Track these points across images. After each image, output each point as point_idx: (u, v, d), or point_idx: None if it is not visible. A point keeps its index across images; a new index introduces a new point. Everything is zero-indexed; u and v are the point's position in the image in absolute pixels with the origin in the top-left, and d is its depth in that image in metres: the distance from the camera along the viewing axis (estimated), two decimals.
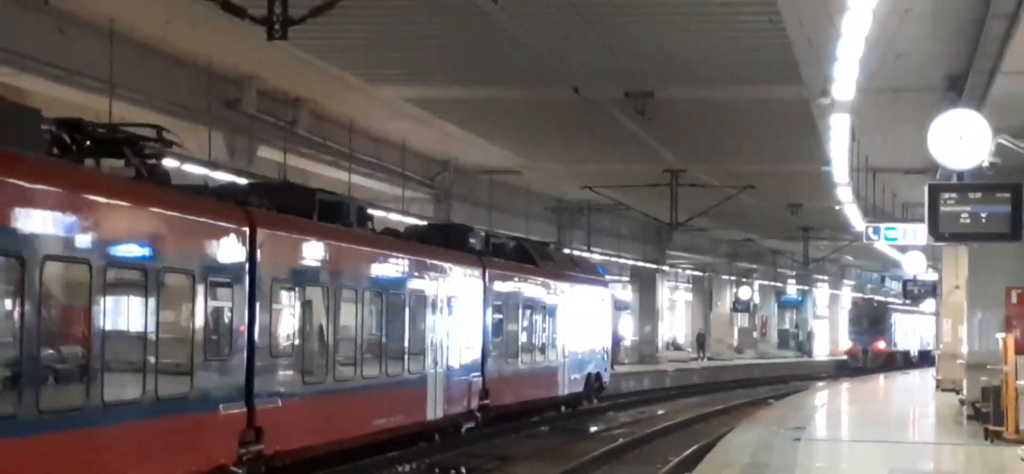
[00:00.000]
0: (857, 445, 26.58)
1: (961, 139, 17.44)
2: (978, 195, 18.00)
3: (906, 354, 79.46)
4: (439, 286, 26.58)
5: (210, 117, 26.45)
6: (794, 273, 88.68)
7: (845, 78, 21.89)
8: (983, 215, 17.93)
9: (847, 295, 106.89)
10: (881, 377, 61.23)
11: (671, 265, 72.66)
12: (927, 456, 24.68)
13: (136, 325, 15.32)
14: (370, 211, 25.38)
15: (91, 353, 14.15)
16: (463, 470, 25.19)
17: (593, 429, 35.56)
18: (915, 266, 50.26)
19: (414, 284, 25.24)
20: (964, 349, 31.22)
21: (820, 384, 57.14)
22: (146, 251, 15.42)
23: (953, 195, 18.15)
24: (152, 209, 15.71)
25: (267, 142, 29.40)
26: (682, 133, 34.85)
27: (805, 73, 26.02)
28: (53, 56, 21.88)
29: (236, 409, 17.75)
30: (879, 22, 18.88)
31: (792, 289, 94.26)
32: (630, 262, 62.76)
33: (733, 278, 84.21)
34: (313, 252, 20.66)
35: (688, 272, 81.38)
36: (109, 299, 14.53)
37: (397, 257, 24.62)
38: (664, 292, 74.06)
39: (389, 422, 24.09)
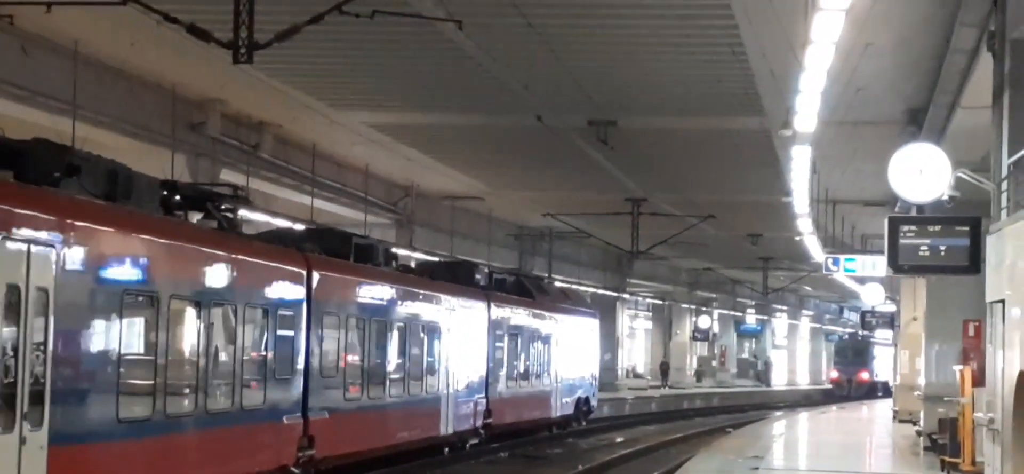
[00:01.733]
0: None
1: (921, 172, 17.60)
2: (937, 228, 18.14)
3: (885, 384, 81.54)
4: (451, 317, 29.99)
5: (174, 140, 26.40)
6: (753, 303, 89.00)
7: (807, 110, 22.05)
8: (942, 248, 18.07)
9: (806, 325, 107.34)
10: (840, 407, 61.52)
11: (631, 293, 72.82)
12: None
13: (229, 350, 19.01)
14: (389, 247, 28.94)
15: (199, 372, 17.92)
16: None
17: (552, 454, 35.56)
18: (873, 297, 50.53)
19: (431, 315, 28.68)
20: (921, 380, 31.42)
21: (778, 414, 57.29)
22: (235, 291, 19.12)
23: (912, 228, 18.28)
24: (239, 257, 19.37)
25: (230, 165, 29.34)
26: (644, 162, 34.99)
27: (767, 104, 26.19)
28: (16, 76, 21.81)
29: (296, 420, 21.48)
30: (841, 56, 19.05)
31: (751, 318, 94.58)
32: (590, 290, 62.84)
33: (693, 307, 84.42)
34: (352, 289, 24.40)
35: (648, 300, 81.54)
36: (213, 329, 18.38)
37: (417, 292, 28.11)
38: (624, 320, 74.13)
39: (411, 435, 27.67)
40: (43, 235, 14.21)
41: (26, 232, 13.96)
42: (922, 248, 18.13)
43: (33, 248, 13.95)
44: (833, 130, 25.72)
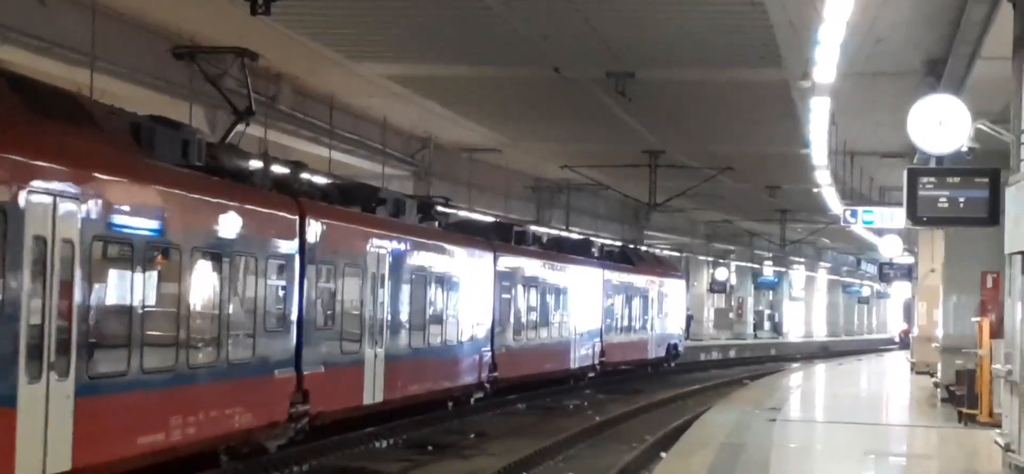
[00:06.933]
0: (832, 426, 26.76)
1: (940, 124, 17.53)
2: (956, 180, 18.07)
3: None
4: (576, 281, 40.32)
5: (192, 91, 26.40)
6: (771, 255, 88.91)
7: (826, 61, 21.96)
8: (961, 200, 18.01)
9: (823, 277, 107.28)
10: (858, 359, 61.62)
11: (649, 245, 72.76)
12: (901, 438, 24.88)
13: (456, 307, 29.68)
14: (534, 230, 40.73)
15: (440, 321, 28.62)
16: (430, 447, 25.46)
17: (570, 406, 35.70)
18: (891, 249, 50.51)
19: (563, 280, 39.11)
20: (939, 332, 31.43)
21: (795, 366, 57.39)
22: (459, 271, 29.92)
23: (931, 179, 18.22)
24: (460, 249, 30.28)
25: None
26: (662, 114, 34.90)
27: (786, 56, 26.10)
28: (34, 27, 21.79)
29: (487, 351, 32.26)
30: (860, 6, 18.96)
31: (769, 271, 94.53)
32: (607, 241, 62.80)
33: (710, 259, 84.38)
34: (516, 264, 34.93)
35: (665, 252, 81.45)
36: (449, 294, 29.15)
37: (553, 263, 38.59)
38: None
39: (553, 366, 38.59)
40: (383, 243, 25.09)
41: (380, 244, 24.92)
42: (941, 200, 18.07)
43: (380, 252, 24.92)
44: (852, 81, 25.61)
